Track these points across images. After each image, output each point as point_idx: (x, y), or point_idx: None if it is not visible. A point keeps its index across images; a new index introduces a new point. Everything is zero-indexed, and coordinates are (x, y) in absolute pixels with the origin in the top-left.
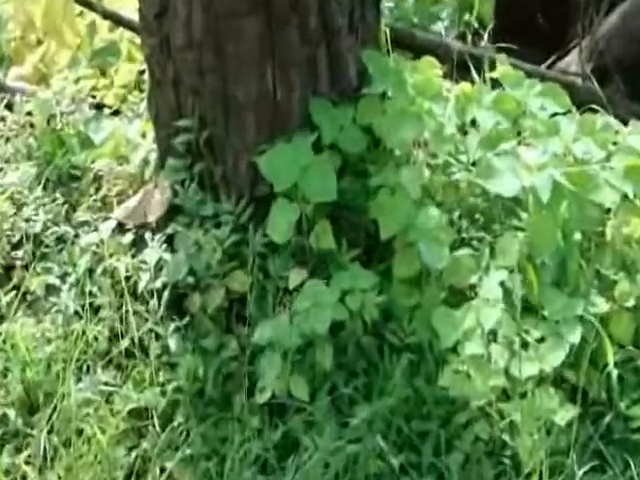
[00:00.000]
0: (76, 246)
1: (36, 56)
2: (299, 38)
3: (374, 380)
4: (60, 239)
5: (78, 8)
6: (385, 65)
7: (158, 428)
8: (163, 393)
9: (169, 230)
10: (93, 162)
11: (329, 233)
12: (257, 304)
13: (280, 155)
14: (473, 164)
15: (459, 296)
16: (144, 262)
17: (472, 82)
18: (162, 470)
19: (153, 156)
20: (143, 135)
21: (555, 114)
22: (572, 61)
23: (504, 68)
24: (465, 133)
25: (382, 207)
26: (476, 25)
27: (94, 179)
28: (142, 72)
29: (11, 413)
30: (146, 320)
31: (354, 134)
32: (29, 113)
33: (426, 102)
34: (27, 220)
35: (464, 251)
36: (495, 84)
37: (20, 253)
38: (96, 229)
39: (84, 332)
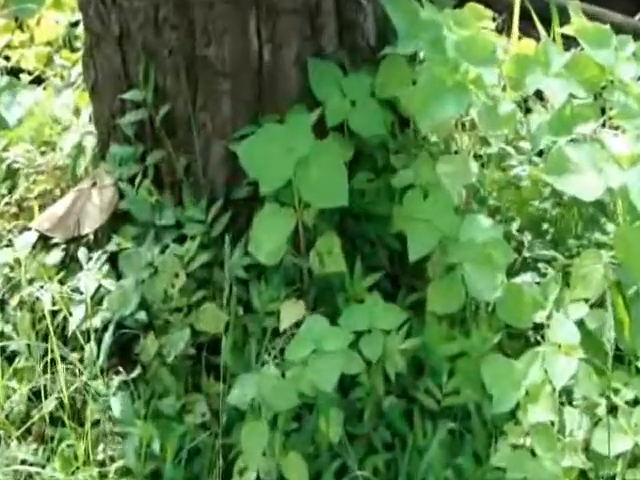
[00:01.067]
0: None
1: None
2: None
3: (400, 458)
4: None
5: None
6: (415, 15)
7: None
8: (103, 476)
9: (112, 246)
10: (5, 150)
11: (337, 251)
12: (235, 350)
13: (268, 142)
14: (539, 154)
15: (519, 340)
16: (77, 291)
17: (537, 39)
18: None
19: (90, 142)
20: (76, 112)
21: None
22: None
23: (581, 20)
24: (528, 111)
25: (411, 215)
26: None
27: (7, 174)
28: (74, 24)
29: None
30: (79, 373)
31: (372, 112)
32: None
33: (472, 67)
34: None
35: (526, 277)
36: (569, 42)
37: None
38: (10, 244)
39: None
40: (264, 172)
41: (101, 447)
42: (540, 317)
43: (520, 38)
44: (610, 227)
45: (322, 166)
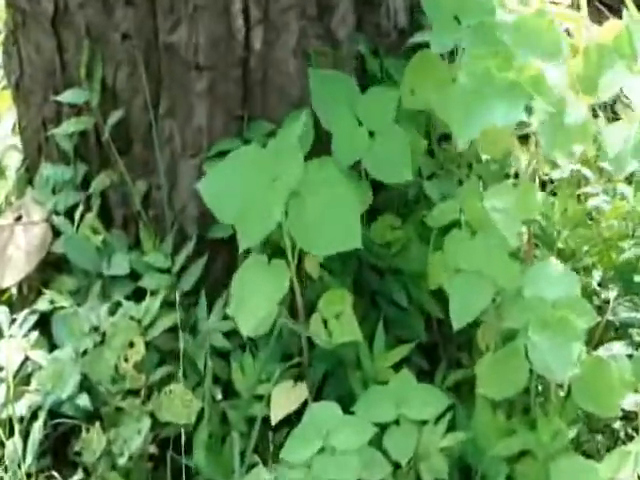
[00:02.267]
0: None
1: None
2: None
3: None
4: None
5: None
6: None
7: None
8: None
9: (43, 304)
10: None
11: (349, 314)
12: (211, 449)
13: (245, 170)
14: (629, 180)
15: (603, 435)
16: None
17: (618, 16)
18: None
19: (14, 160)
20: None
21: None
22: None
23: None
24: (610, 119)
25: (454, 265)
26: None
27: None
28: None
29: None
30: None
31: (397, 148)
32: None
33: (533, 61)
34: None
35: (613, 348)
36: None
37: None
38: None
39: None
40: (241, 218)
41: None
42: (631, 403)
43: (598, 20)
44: None
45: (321, 198)
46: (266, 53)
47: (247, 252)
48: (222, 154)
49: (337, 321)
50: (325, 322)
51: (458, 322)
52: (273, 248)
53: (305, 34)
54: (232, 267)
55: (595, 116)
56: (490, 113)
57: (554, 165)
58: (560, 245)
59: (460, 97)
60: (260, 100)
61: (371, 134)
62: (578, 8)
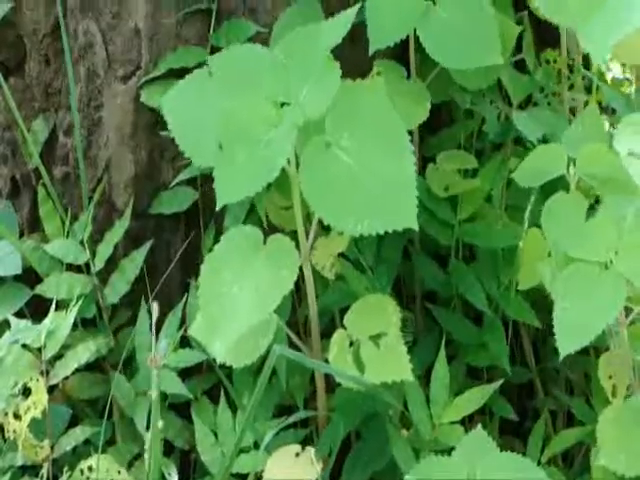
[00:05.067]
0: None
1: None
2: None
3: None
4: None
5: None
6: None
7: None
8: None
9: None
10: None
11: (396, 336)
12: None
13: (229, 87)
14: None
15: None
16: None
17: None
18: None
19: None
20: None
21: None
22: None
23: None
24: None
25: (559, 250)
26: None
27: None
28: None
29: None
30: None
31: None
32: None
33: None
34: None
35: None
36: None
37: None
38: None
39: None
40: (226, 158)
41: None
42: None
43: None
44: None
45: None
46: None
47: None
48: (176, 74)
49: (375, 347)
50: (354, 348)
51: (566, 345)
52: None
53: None
54: (192, 258)
55: None
56: (628, 6)
57: None
58: None
59: None
60: None
61: None
62: None
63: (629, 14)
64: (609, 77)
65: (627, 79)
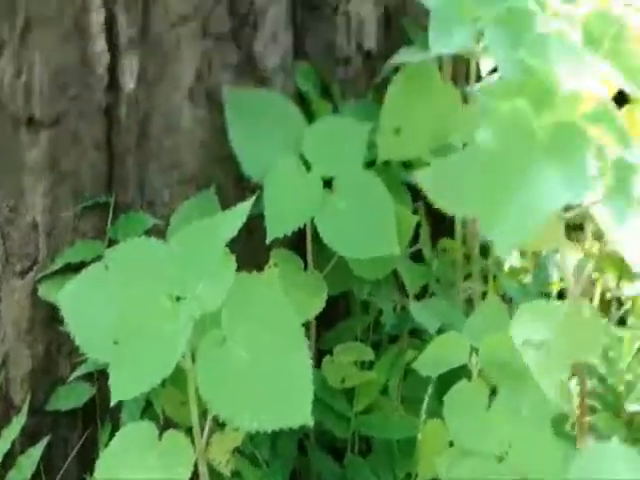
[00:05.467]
0: None
1: None
2: None
3: None
4: None
5: None
6: None
7: None
8: None
9: None
10: None
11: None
12: None
13: (124, 286)
14: None
15: None
16: None
17: None
18: None
19: None
20: None
21: None
22: None
23: None
24: None
25: (457, 443)
26: None
27: None
28: None
29: None
30: None
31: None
32: None
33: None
34: None
35: None
36: None
37: None
38: None
39: None
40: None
41: None
42: None
43: None
44: None
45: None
46: (145, 96)
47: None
48: (73, 268)
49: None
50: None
51: None
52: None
53: (209, 63)
54: (89, 454)
55: None
56: (540, 199)
57: (626, 274)
58: (630, 406)
59: (483, 177)
60: (135, 174)
61: (326, 183)
62: None
63: (538, 206)
64: (507, 265)
65: (524, 267)
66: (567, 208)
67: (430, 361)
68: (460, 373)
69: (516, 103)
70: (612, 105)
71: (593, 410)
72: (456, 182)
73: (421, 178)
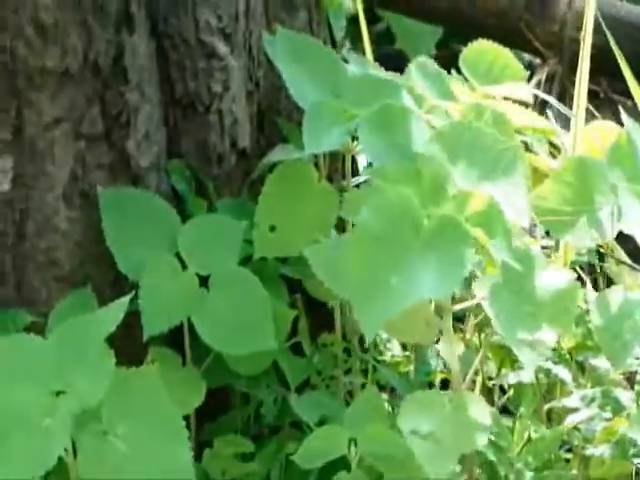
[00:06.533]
0: None
1: None
2: None
3: None
4: None
5: None
6: (343, 74)
7: None
8: None
9: None
10: None
11: None
12: None
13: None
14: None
15: None
16: None
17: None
18: None
19: None
20: None
21: None
22: None
23: None
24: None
25: None
26: None
27: None
28: None
29: None
30: None
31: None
32: None
33: (478, 184)
34: None
35: None
36: None
37: None
38: None
39: None
40: None
41: None
42: None
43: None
44: None
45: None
46: (20, 197)
47: None
48: None
49: None
50: None
51: None
52: None
53: (83, 163)
54: None
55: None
56: (412, 283)
57: (509, 364)
58: None
59: (360, 258)
60: (13, 273)
61: (203, 281)
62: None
63: (409, 292)
64: (389, 355)
65: (407, 357)
66: (455, 301)
67: (310, 453)
68: (341, 464)
69: (407, 190)
70: (500, 208)
71: None
72: (336, 264)
73: (308, 255)
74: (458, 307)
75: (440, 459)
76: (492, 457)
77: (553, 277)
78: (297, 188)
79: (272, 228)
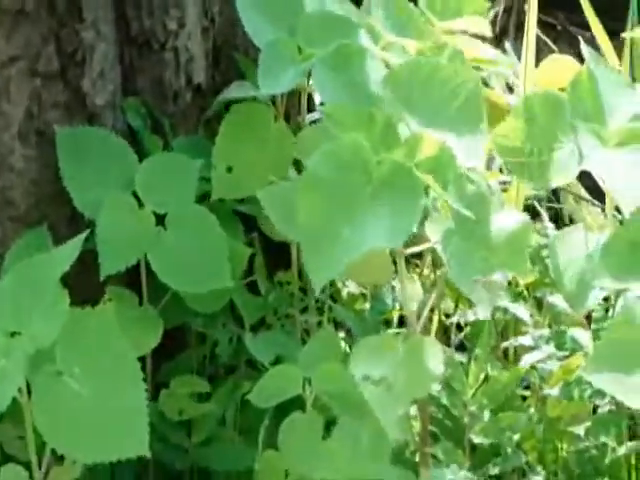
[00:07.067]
0: None
1: None
2: None
3: None
4: None
5: None
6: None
7: None
8: None
9: None
10: None
11: None
12: None
13: None
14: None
15: None
16: None
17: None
18: None
19: None
20: None
21: None
22: None
23: None
24: (556, 222)
25: (293, 472)
26: None
27: None
28: None
29: None
30: None
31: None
32: None
33: (431, 130)
34: None
35: None
36: None
37: None
38: None
39: None
40: None
41: None
42: None
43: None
44: None
45: None
46: None
47: None
48: None
49: None
50: None
51: None
52: None
53: (39, 103)
54: None
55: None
56: (363, 234)
57: (465, 301)
58: (475, 438)
59: (310, 204)
60: None
61: (159, 219)
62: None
63: (359, 244)
64: (345, 292)
65: (363, 294)
66: (407, 244)
67: (265, 392)
68: (297, 403)
69: (358, 134)
70: (452, 153)
71: (437, 439)
72: (291, 207)
73: (261, 197)
74: (412, 250)
75: (391, 405)
76: (445, 401)
77: (506, 219)
78: (254, 129)
79: (229, 169)
